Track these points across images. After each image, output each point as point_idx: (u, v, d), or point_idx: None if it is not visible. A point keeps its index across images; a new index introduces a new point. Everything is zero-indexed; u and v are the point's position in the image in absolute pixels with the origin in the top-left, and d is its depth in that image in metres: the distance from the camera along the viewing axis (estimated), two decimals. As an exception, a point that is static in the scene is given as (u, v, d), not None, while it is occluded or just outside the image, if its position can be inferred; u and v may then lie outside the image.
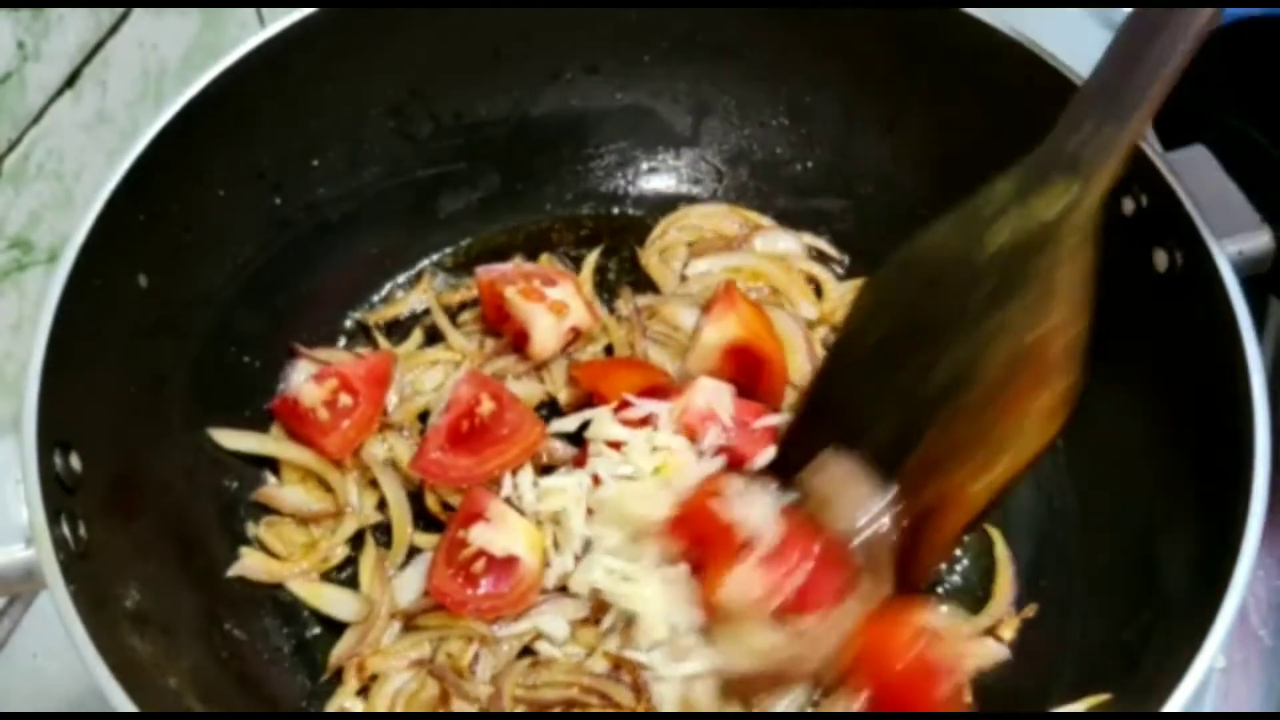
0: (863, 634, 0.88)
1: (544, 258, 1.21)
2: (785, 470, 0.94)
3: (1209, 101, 0.97)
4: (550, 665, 0.96)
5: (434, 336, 1.17)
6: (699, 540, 0.93)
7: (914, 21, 1.04)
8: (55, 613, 0.74)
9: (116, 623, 0.80)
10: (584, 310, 1.12)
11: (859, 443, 0.89)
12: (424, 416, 1.09)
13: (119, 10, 1.13)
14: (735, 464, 1.01)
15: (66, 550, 0.77)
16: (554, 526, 1.00)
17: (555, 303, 1.11)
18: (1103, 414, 1.00)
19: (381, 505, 1.05)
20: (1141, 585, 0.89)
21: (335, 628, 1.00)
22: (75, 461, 0.82)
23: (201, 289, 1.03)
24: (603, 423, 1.03)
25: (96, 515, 0.82)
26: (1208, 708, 1.01)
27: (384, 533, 1.04)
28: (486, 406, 1.04)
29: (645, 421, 1.03)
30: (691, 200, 1.25)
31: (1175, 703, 0.72)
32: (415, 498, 1.04)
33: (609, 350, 1.14)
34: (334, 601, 1.00)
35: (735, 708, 0.90)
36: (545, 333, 1.10)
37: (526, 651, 0.97)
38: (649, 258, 1.21)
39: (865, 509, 0.87)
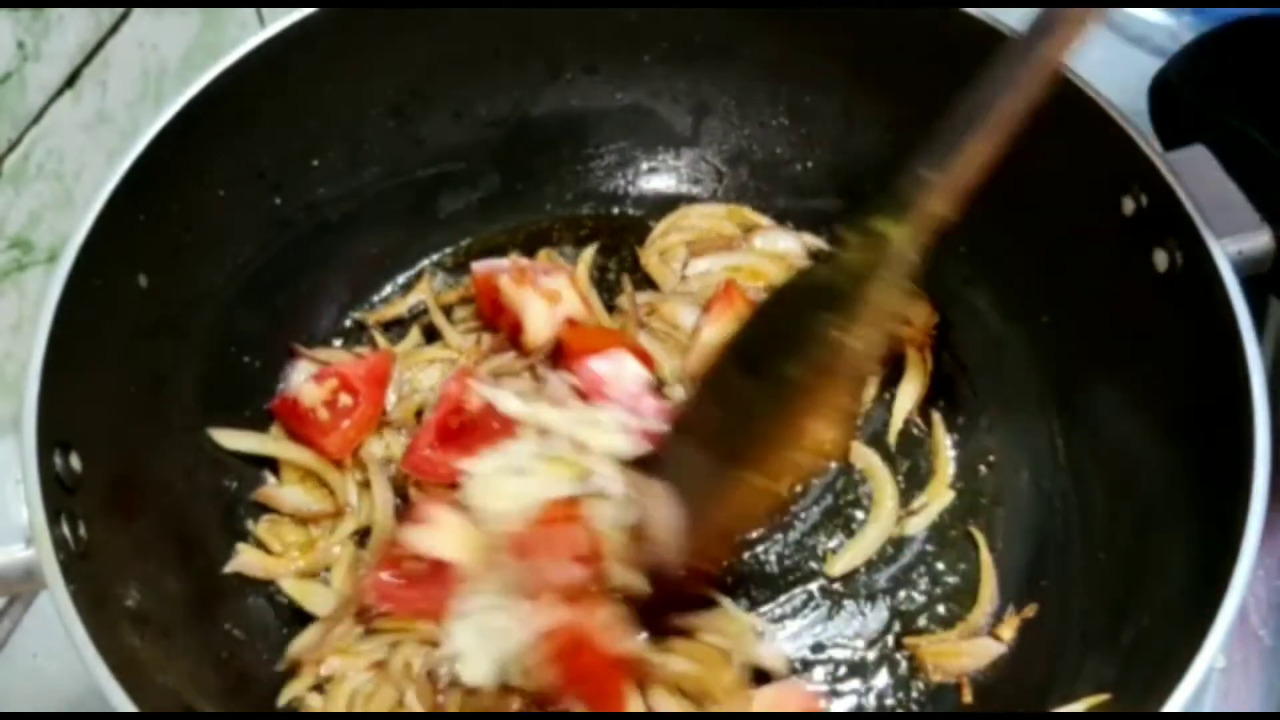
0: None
1: (543, 252, 1.21)
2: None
3: (1209, 101, 0.97)
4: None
5: (432, 335, 1.17)
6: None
7: (914, 21, 1.04)
8: (55, 613, 0.74)
9: (116, 623, 0.80)
10: (578, 301, 1.13)
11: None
12: (421, 415, 1.09)
13: (119, 10, 1.13)
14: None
15: (66, 550, 0.77)
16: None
17: (548, 290, 1.11)
18: (1102, 414, 1.00)
19: (382, 505, 1.05)
20: (1142, 585, 0.89)
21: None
22: (75, 461, 0.82)
23: (201, 289, 1.03)
24: (504, 397, 1.04)
25: (96, 515, 0.82)
26: (1208, 708, 1.01)
27: (384, 533, 1.04)
28: (475, 403, 1.04)
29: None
30: (691, 200, 1.25)
31: (1175, 703, 0.72)
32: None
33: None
34: (319, 600, 1.00)
35: None
36: (538, 319, 1.10)
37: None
38: (649, 257, 1.21)
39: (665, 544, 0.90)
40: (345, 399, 1.07)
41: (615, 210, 1.26)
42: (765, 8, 1.11)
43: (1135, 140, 0.91)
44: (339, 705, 0.94)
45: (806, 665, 0.99)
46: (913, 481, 1.09)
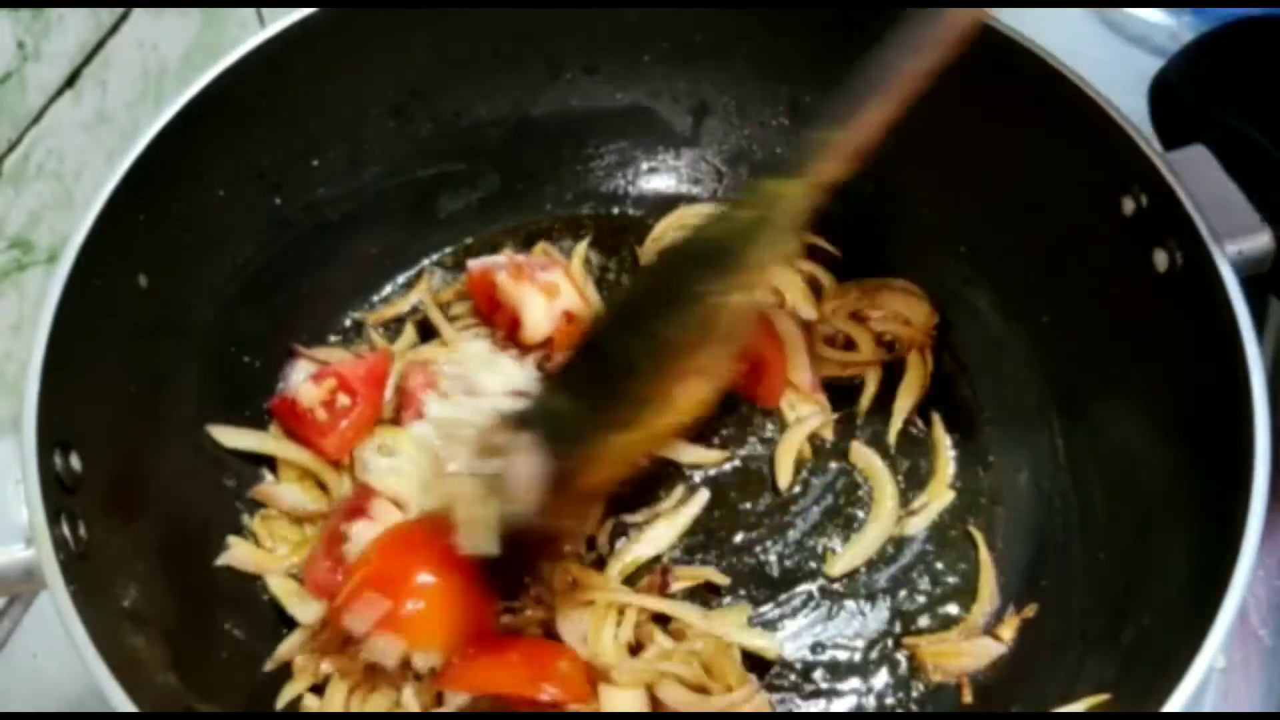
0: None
1: (540, 245, 1.22)
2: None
3: (1209, 101, 0.97)
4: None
5: (427, 333, 1.17)
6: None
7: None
8: (55, 613, 0.74)
9: (116, 623, 0.80)
10: (575, 294, 1.13)
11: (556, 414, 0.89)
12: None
13: (119, 10, 1.13)
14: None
15: (66, 550, 0.77)
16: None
17: (546, 284, 1.11)
18: (1102, 414, 1.00)
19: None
20: (1142, 585, 0.89)
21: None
22: (75, 461, 0.82)
23: (201, 289, 1.03)
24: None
25: (96, 515, 0.82)
26: (1208, 708, 1.01)
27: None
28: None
29: None
30: (691, 200, 1.25)
31: (1175, 703, 0.72)
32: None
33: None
34: (300, 604, 0.99)
35: None
36: (537, 314, 1.10)
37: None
38: (649, 257, 1.21)
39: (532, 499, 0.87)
40: (344, 399, 1.07)
41: (615, 210, 1.26)
42: (765, 8, 1.11)
43: (1135, 140, 0.91)
44: (337, 705, 0.94)
45: (806, 665, 0.99)
46: (913, 481, 1.09)
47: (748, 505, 1.07)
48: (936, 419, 1.11)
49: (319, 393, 1.07)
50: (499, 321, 1.14)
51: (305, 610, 0.98)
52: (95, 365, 0.88)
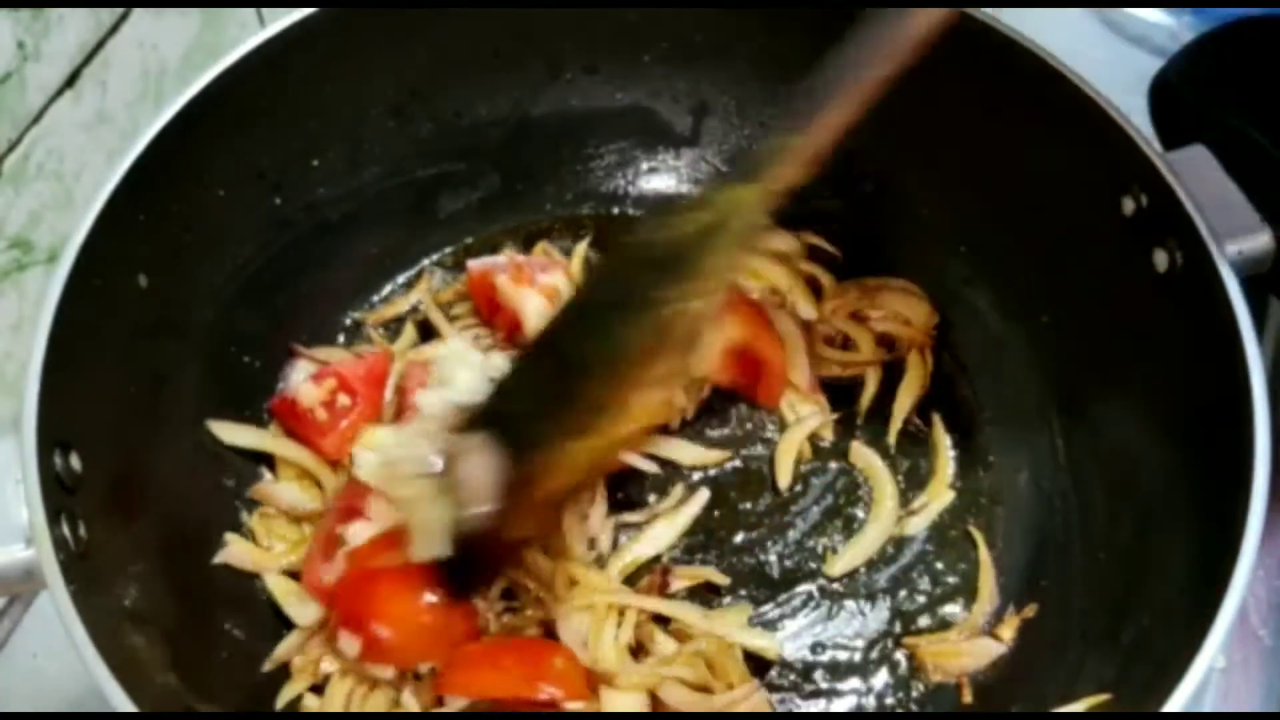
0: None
1: (540, 246, 1.22)
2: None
3: (1209, 101, 0.97)
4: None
5: (427, 333, 1.17)
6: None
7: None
8: (55, 613, 0.74)
9: (116, 623, 0.80)
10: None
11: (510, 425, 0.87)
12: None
13: (119, 10, 1.13)
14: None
15: (66, 550, 0.77)
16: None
17: (546, 286, 1.11)
18: (1102, 414, 1.00)
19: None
20: (1142, 585, 0.89)
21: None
22: (75, 461, 0.82)
23: (201, 289, 1.03)
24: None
25: (96, 515, 0.82)
26: (1208, 708, 1.01)
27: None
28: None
29: None
30: (692, 200, 1.25)
31: (1175, 703, 0.72)
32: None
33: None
34: (297, 604, 0.99)
35: None
36: (537, 316, 1.10)
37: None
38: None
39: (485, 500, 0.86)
40: (344, 399, 1.07)
41: (615, 210, 1.26)
42: (765, 8, 1.11)
43: (1135, 140, 0.91)
44: (337, 705, 0.94)
45: (807, 665, 0.99)
46: (913, 481, 1.09)
47: (748, 505, 1.07)
48: (936, 419, 1.11)
49: (319, 393, 1.07)
50: (499, 323, 1.14)
51: (303, 611, 0.98)
52: (95, 365, 0.88)
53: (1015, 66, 0.97)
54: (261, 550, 1.02)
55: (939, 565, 1.04)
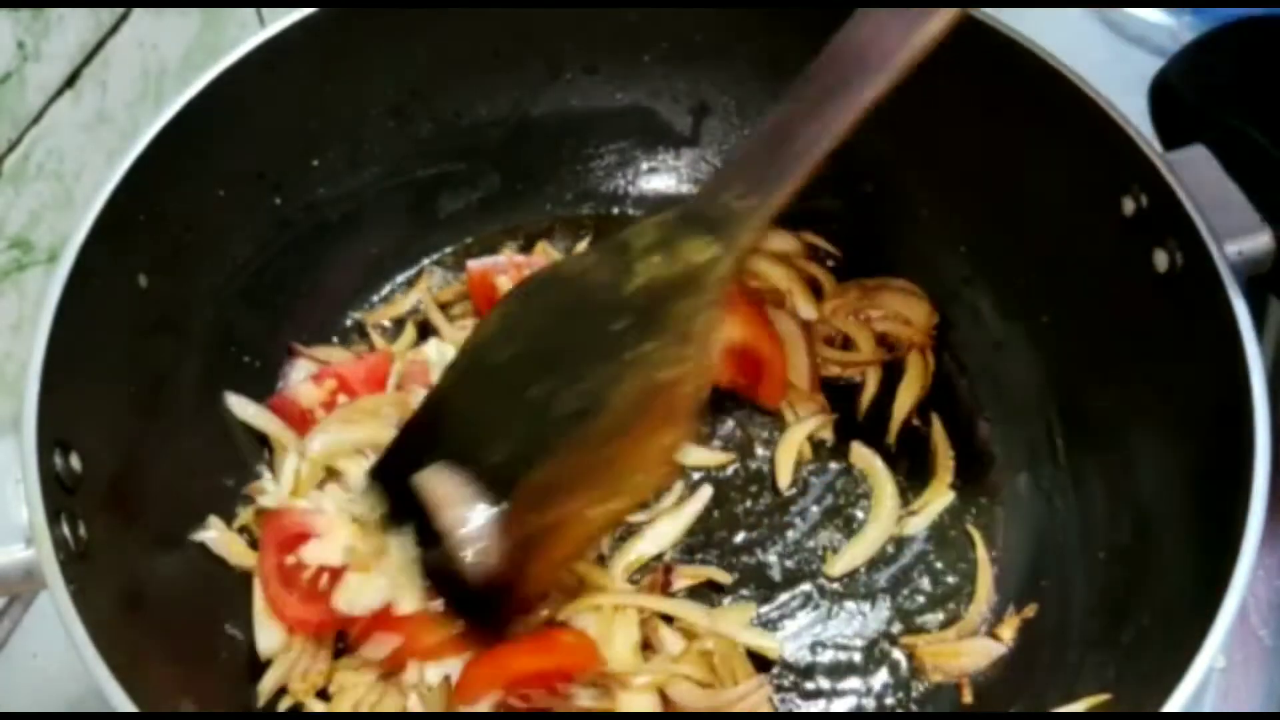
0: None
1: (540, 245, 1.21)
2: (386, 478, 0.90)
3: (1209, 101, 0.97)
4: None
5: (427, 332, 1.17)
6: None
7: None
8: (55, 613, 0.74)
9: (116, 623, 0.80)
10: None
11: (472, 459, 0.84)
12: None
13: (119, 10, 1.13)
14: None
15: (66, 550, 0.77)
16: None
17: None
18: (1103, 414, 1.00)
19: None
20: (1142, 585, 0.89)
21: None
22: (75, 461, 0.82)
23: (201, 289, 1.03)
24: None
25: (96, 515, 0.82)
26: (1208, 708, 1.01)
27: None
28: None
29: None
30: (692, 200, 1.25)
31: (1175, 703, 0.72)
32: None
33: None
34: (265, 629, 0.97)
35: None
36: None
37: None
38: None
39: (467, 523, 0.83)
40: (344, 399, 1.07)
41: (615, 210, 1.26)
42: (765, 8, 1.11)
43: (1135, 140, 0.91)
44: (345, 707, 0.94)
45: (807, 665, 0.99)
46: (913, 481, 1.09)
47: (748, 505, 1.07)
48: (936, 419, 1.11)
49: (319, 393, 1.07)
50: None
51: (267, 636, 0.96)
52: (95, 365, 0.88)
53: (1015, 66, 0.97)
54: (235, 540, 1.00)
55: (939, 565, 1.04)
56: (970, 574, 1.03)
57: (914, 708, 0.97)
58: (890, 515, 1.06)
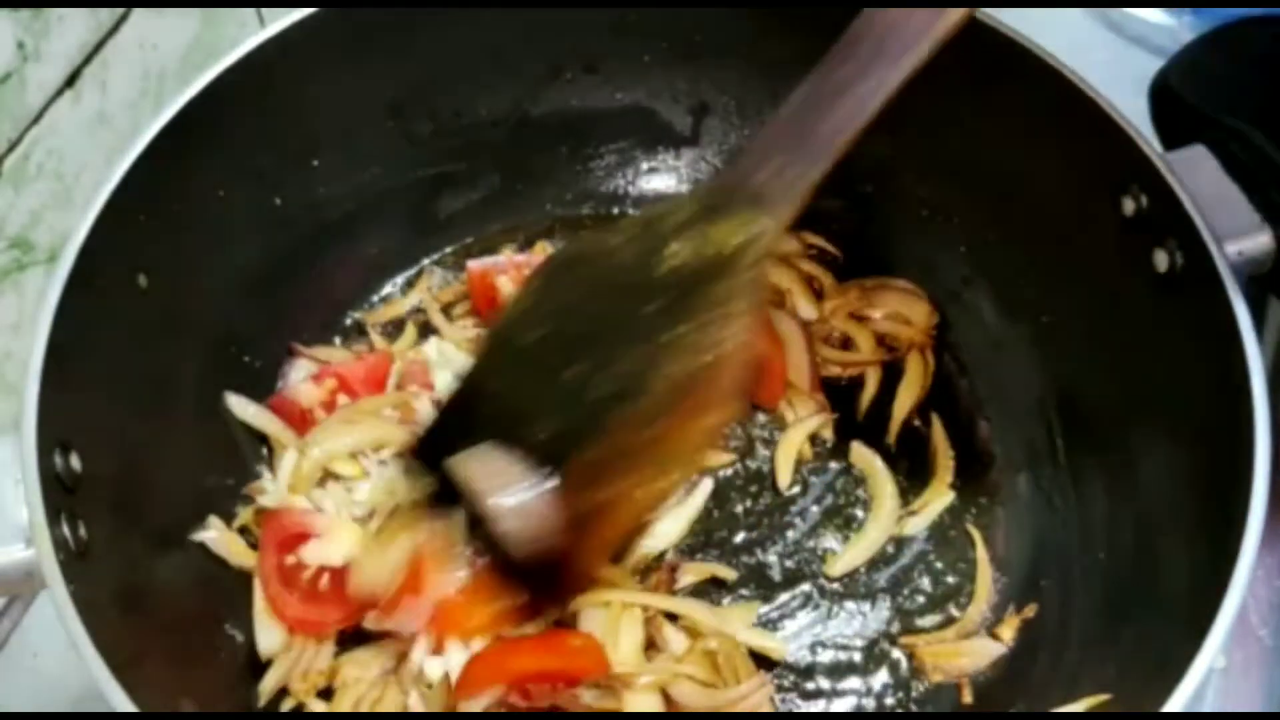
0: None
1: (540, 245, 1.22)
2: (429, 458, 0.88)
3: (1209, 101, 0.97)
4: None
5: (427, 333, 1.17)
6: None
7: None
8: (55, 613, 0.74)
9: (116, 623, 0.80)
10: None
11: (515, 437, 0.82)
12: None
13: (119, 10, 1.13)
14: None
15: (66, 550, 0.77)
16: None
17: None
18: (1102, 414, 1.00)
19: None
20: (1141, 585, 0.89)
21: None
22: (75, 461, 0.82)
23: (201, 289, 1.03)
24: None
25: (96, 515, 0.82)
26: (1208, 708, 1.01)
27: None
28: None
29: None
30: (691, 200, 1.25)
31: (1175, 703, 0.72)
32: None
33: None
34: (266, 629, 0.97)
35: None
36: None
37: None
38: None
39: (514, 502, 0.81)
40: (344, 400, 1.07)
41: (615, 210, 1.26)
42: (765, 8, 1.11)
43: (1135, 140, 0.91)
44: (345, 708, 0.94)
45: (807, 665, 0.99)
46: (913, 481, 1.09)
47: (748, 505, 1.07)
48: (936, 419, 1.11)
49: (319, 393, 1.07)
50: (498, 321, 1.14)
51: (268, 636, 0.97)
52: (95, 365, 0.88)
53: (1015, 66, 0.97)
54: (235, 540, 1.00)
55: (939, 565, 1.04)
56: (970, 574, 1.03)
57: (914, 708, 0.97)
58: (890, 515, 1.06)
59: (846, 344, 1.16)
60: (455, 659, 0.93)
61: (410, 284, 1.21)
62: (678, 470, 0.85)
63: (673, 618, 0.99)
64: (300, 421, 1.06)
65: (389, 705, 0.94)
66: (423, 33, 1.09)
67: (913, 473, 1.09)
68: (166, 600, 0.90)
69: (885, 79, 0.80)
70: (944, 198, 1.12)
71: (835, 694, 0.98)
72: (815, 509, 1.07)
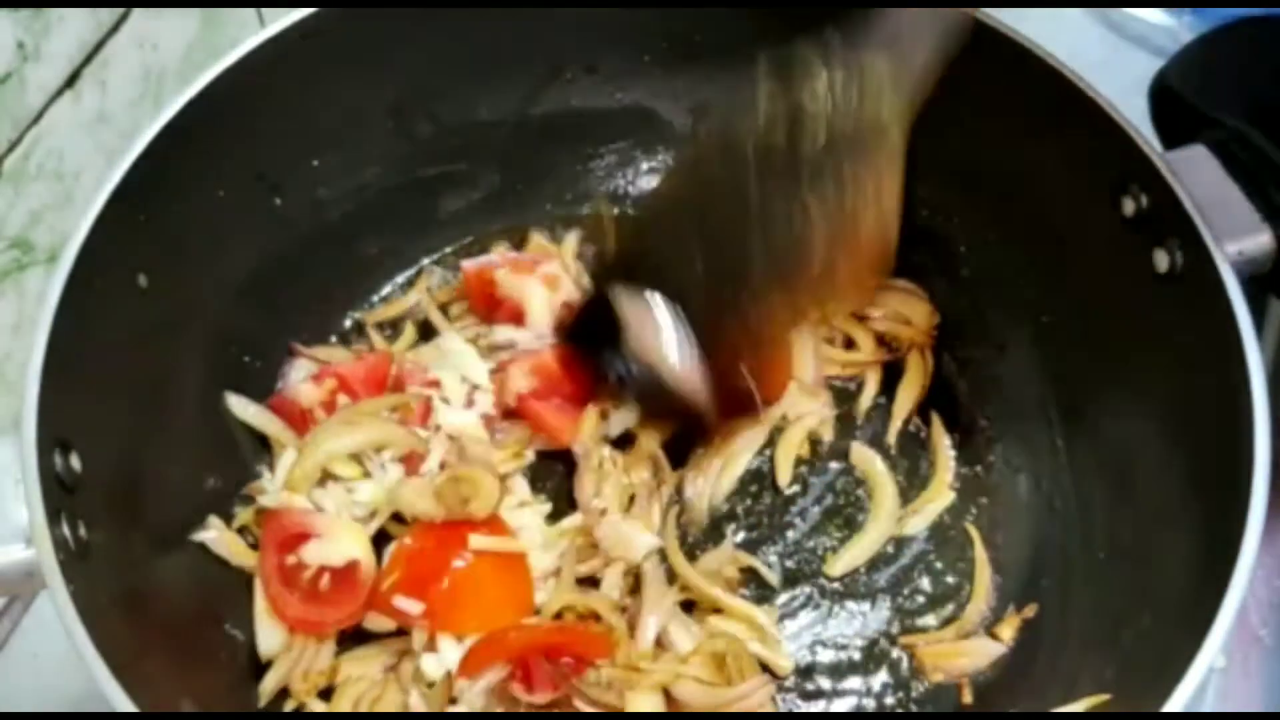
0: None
1: (532, 236, 1.22)
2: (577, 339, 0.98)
3: (1209, 101, 0.97)
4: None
5: (427, 333, 1.17)
6: None
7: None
8: (55, 613, 0.74)
9: (116, 623, 0.80)
10: (573, 285, 1.13)
11: (664, 286, 0.91)
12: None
13: (119, 10, 1.13)
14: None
15: (66, 550, 0.77)
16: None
17: (548, 275, 1.12)
18: (1102, 414, 1.00)
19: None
20: (1141, 585, 0.89)
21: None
22: (75, 461, 0.82)
23: (201, 289, 1.03)
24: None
25: (97, 515, 0.82)
26: (1208, 708, 1.01)
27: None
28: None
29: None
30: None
31: (1175, 703, 0.72)
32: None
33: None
34: (267, 629, 0.97)
35: None
36: (541, 304, 1.11)
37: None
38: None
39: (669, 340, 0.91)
40: (344, 400, 1.07)
41: (615, 210, 1.26)
42: (766, 8, 1.11)
43: (1135, 140, 0.91)
44: (345, 707, 0.94)
45: (807, 665, 0.99)
46: (913, 481, 1.09)
47: (748, 505, 1.07)
48: (936, 419, 1.11)
49: (319, 393, 1.07)
50: (500, 318, 1.14)
51: (268, 636, 0.97)
52: (95, 365, 0.88)
53: (1015, 66, 0.97)
54: (236, 540, 1.00)
55: (939, 565, 1.04)
56: (969, 574, 1.03)
57: (914, 708, 0.97)
58: (890, 515, 1.06)
59: (847, 344, 1.16)
60: (451, 656, 0.93)
61: (410, 284, 1.21)
62: (825, 310, 0.95)
63: (687, 609, 0.99)
64: (300, 421, 1.06)
65: (389, 705, 0.94)
66: (423, 33, 1.09)
67: (913, 473, 1.09)
68: (166, 600, 0.90)
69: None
70: (944, 198, 1.12)
71: (835, 694, 0.98)
72: (815, 509, 1.07)
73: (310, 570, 0.96)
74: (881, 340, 1.16)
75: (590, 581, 1.01)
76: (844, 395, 1.13)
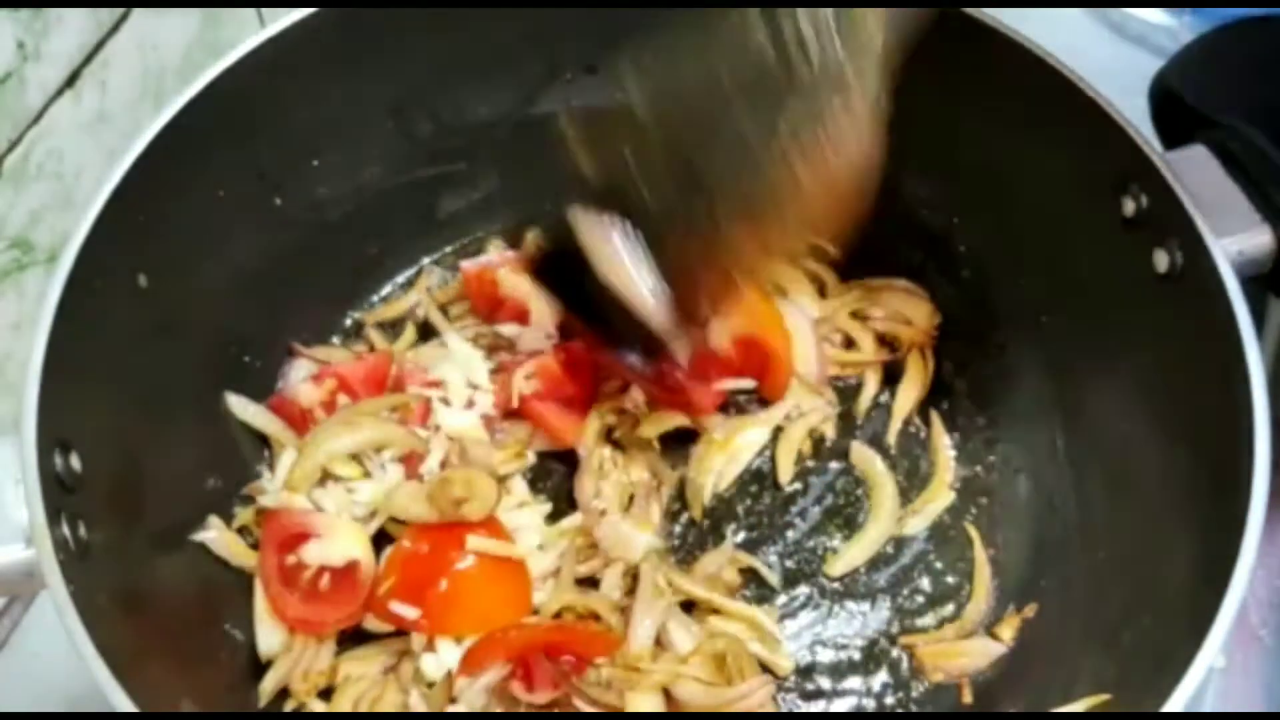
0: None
1: (529, 234, 1.21)
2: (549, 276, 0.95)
3: (1209, 101, 0.97)
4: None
5: (427, 333, 1.17)
6: None
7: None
8: (55, 613, 0.74)
9: (116, 623, 0.80)
10: None
11: (632, 211, 0.88)
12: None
13: (119, 10, 1.13)
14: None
15: (66, 550, 0.77)
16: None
17: None
18: (1102, 414, 1.00)
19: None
20: (1141, 585, 0.89)
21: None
22: (75, 461, 0.82)
23: (201, 289, 1.03)
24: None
25: (96, 515, 0.82)
26: (1208, 708, 1.01)
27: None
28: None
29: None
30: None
31: (1175, 703, 0.72)
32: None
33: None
34: (267, 629, 0.97)
35: None
36: (543, 303, 1.11)
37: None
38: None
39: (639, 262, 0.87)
40: (344, 400, 1.07)
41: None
42: (766, 8, 1.10)
43: (1135, 140, 0.91)
44: (345, 707, 0.94)
45: (807, 665, 0.99)
46: (913, 481, 1.09)
47: (748, 504, 1.08)
48: (936, 419, 1.11)
49: (319, 393, 1.07)
50: (502, 317, 1.14)
51: (268, 636, 0.97)
52: (95, 365, 0.88)
53: (1016, 67, 0.97)
54: (236, 540, 1.00)
55: (939, 565, 1.04)
56: (969, 574, 1.03)
57: (914, 708, 0.97)
58: (890, 515, 1.06)
59: (847, 343, 1.16)
60: (451, 656, 0.93)
61: (410, 284, 1.21)
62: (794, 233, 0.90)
63: (687, 610, 0.99)
64: (300, 421, 1.06)
65: (389, 705, 0.94)
66: (423, 33, 1.09)
67: (913, 473, 1.09)
68: (166, 600, 0.90)
69: None
70: (944, 198, 1.12)
71: (835, 694, 0.98)
72: (815, 509, 1.07)
73: (310, 570, 0.96)
74: (882, 340, 1.16)
75: (590, 582, 1.01)
76: (844, 395, 1.13)
